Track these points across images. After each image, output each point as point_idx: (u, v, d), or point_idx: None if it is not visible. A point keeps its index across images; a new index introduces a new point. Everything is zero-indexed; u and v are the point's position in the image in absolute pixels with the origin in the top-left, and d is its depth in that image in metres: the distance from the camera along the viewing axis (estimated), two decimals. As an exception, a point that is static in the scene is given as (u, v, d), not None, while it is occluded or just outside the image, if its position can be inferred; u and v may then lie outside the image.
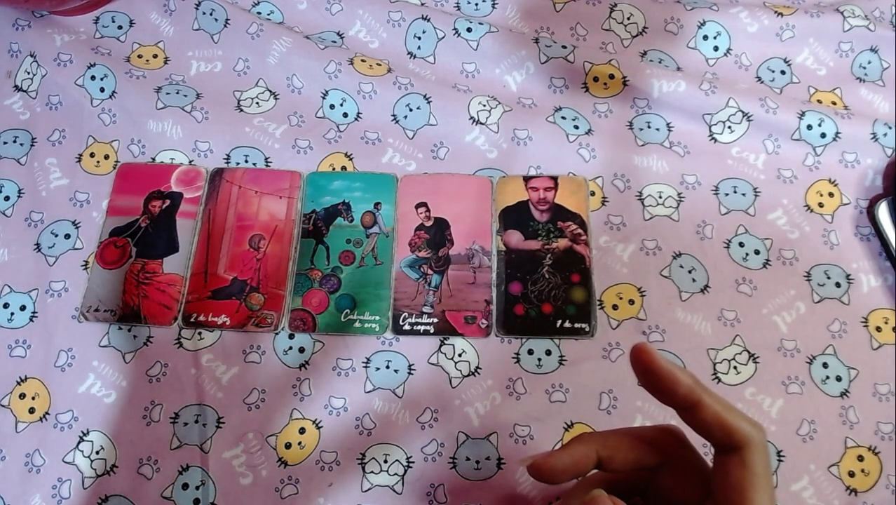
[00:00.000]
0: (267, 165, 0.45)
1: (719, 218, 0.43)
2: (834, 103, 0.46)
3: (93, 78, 0.46)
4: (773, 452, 0.38)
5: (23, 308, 0.42)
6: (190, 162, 0.45)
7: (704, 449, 0.28)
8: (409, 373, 0.40)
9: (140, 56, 0.48)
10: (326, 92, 0.46)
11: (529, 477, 0.37)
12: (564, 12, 0.49)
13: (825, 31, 0.47)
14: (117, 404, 0.39)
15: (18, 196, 0.45)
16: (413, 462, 0.38)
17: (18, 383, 0.40)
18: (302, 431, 0.39)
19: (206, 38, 0.48)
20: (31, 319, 0.41)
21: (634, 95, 0.46)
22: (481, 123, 0.45)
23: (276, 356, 0.40)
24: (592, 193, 0.44)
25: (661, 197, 0.44)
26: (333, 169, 0.44)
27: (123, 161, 0.45)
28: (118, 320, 0.41)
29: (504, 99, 0.46)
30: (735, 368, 0.40)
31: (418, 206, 0.43)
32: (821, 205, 0.43)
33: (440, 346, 0.40)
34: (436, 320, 0.40)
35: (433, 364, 0.40)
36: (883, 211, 0.41)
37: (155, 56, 0.48)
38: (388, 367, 0.40)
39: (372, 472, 0.38)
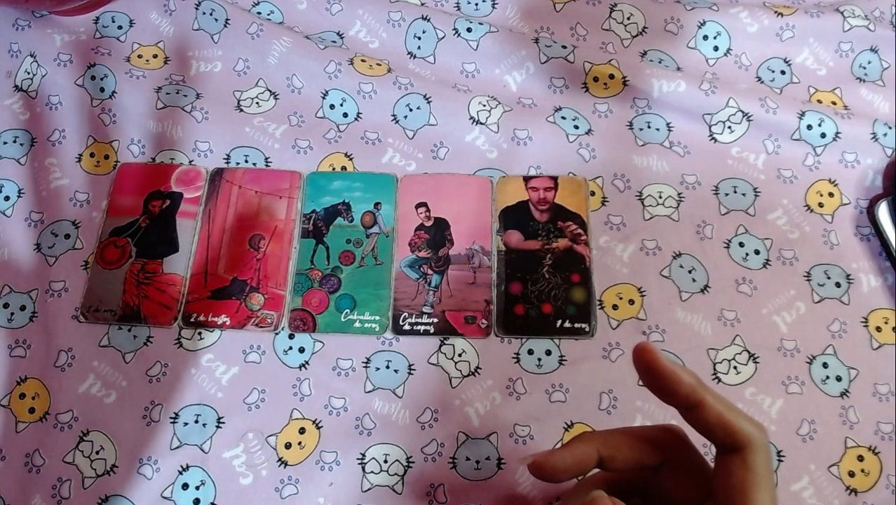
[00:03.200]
0: (267, 165, 0.45)
1: (719, 218, 0.43)
2: (834, 103, 0.46)
3: (93, 78, 0.46)
4: (773, 452, 0.38)
5: (23, 308, 0.42)
6: (190, 162, 0.45)
7: (704, 449, 0.28)
8: (409, 373, 0.40)
9: (140, 56, 0.48)
10: (326, 92, 0.46)
11: (530, 477, 0.37)
12: (564, 12, 0.49)
13: (825, 31, 0.47)
14: (117, 404, 0.39)
15: (18, 196, 0.45)
16: (413, 462, 0.38)
17: (18, 383, 0.40)
18: (302, 431, 0.39)
19: (206, 38, 0.48)
20: (31, 319, 0.41)
21: (634, 95, 0.46)
22: (481, 123, 0.45)
23: (276, 356, 0.40)
24: (592, 193, 0.44)
25: (661, 197, 0.44)
26: (333, 169, 0.44)
27: (123, 161, 0.45)
28: (118, 320, 0.41)
29: (504, 99, 0.46)
30: (735, 368, 0.40)
31: (418, 206, 0.43)
32: (821, 205, 0.43)
33: (440, 346, 0.40)
34: (436, 320, 0.40)
35: (433, 364, 0.40)
36: (883, 211, 0.41)
37: (155, 56, 0.48)
38: (388, 367, 0.40)
39: (372, 472, 0.38)
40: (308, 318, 0.41)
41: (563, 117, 0.46)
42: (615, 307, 0.41)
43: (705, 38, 0.48)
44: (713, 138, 0.45)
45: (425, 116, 0.45)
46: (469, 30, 0.47)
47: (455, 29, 0.47)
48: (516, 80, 0.47)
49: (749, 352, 0.40)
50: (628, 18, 0.48)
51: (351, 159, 0.45)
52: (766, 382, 0.39)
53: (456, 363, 0.40)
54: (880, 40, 0.47)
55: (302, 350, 0.40)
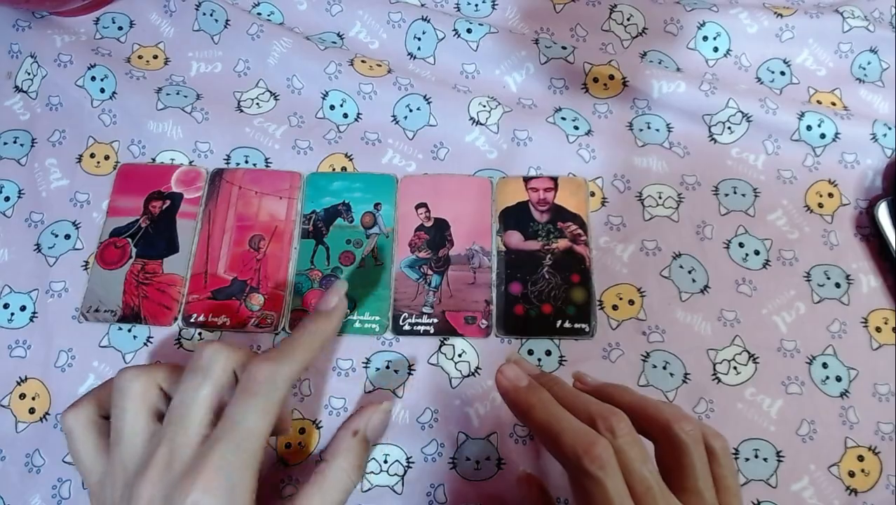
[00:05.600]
0: (267, 166, 0.45)
1: (719, 218, 0.43)
2: (833, 104, 0.46)
3: (93, 79, 0.46)
4: (773, 452, 0.38)
5: (23, 308, 0.42)
6: (190, 162, 0.45)
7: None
8: (409, 373, 0.40)
9: (140, 57, 0.48)
10: (326, 93, 0.46)
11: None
12: (564, 13, 0.49)
13: (825, 31, 0.47)
14: (117, 405, 0.39)
15: (18, 196, 0.45)
16: (413, 462, 0.38)
17: (18, 383, 0.40)
18: (302, 431, 0.39)
19: (206, 39, 0.48)
20: (31, 320, 0.41)
21: (634, 96, 0.46)
22: (481, 124, 0.45)
23: (276, 356, 0.40)
24: (592, 194, 0.44)
25: (661, 197, 0.44)
26: (333, 169, 0.45)
27: (124, 161, 0.45)
28: (118, 321, 0.41)
29: (504, 99, 0.46)
30: (735, 368, 0.40)
31: (418, 206, 0.43)
32: (820, 205, 0.43)
33: (440, 346, 0.40)
34: (436, 321, 0.40)
35: (433, 364, 0.40)
36: (883, 211, 0.41)
37: (155, 57, 0.48)
38: (388, 367, 0.40)
39: (372, 472, 0.38)
40: (308, 318, 0.40)
41: (563, 118, 0.46)
42: (615, 308, 0.41)
43: (705, 38, 0.48)
44: (713, 139, 0.45)
45: (425, 117, 0.45)
46: (469, 31, 0.47)
47: (455, 30, 0.47)
48: (516, 80, 0.47)
49: (749, 352, 0.40)
50: (628, 19, 0.48)
51: (351, 160, 0.45)
52: (766, 382, 0.39)
53: (456, 363, 0.40)
54: (880, 41, 0.47)
55: (302, 350, 0.40)
